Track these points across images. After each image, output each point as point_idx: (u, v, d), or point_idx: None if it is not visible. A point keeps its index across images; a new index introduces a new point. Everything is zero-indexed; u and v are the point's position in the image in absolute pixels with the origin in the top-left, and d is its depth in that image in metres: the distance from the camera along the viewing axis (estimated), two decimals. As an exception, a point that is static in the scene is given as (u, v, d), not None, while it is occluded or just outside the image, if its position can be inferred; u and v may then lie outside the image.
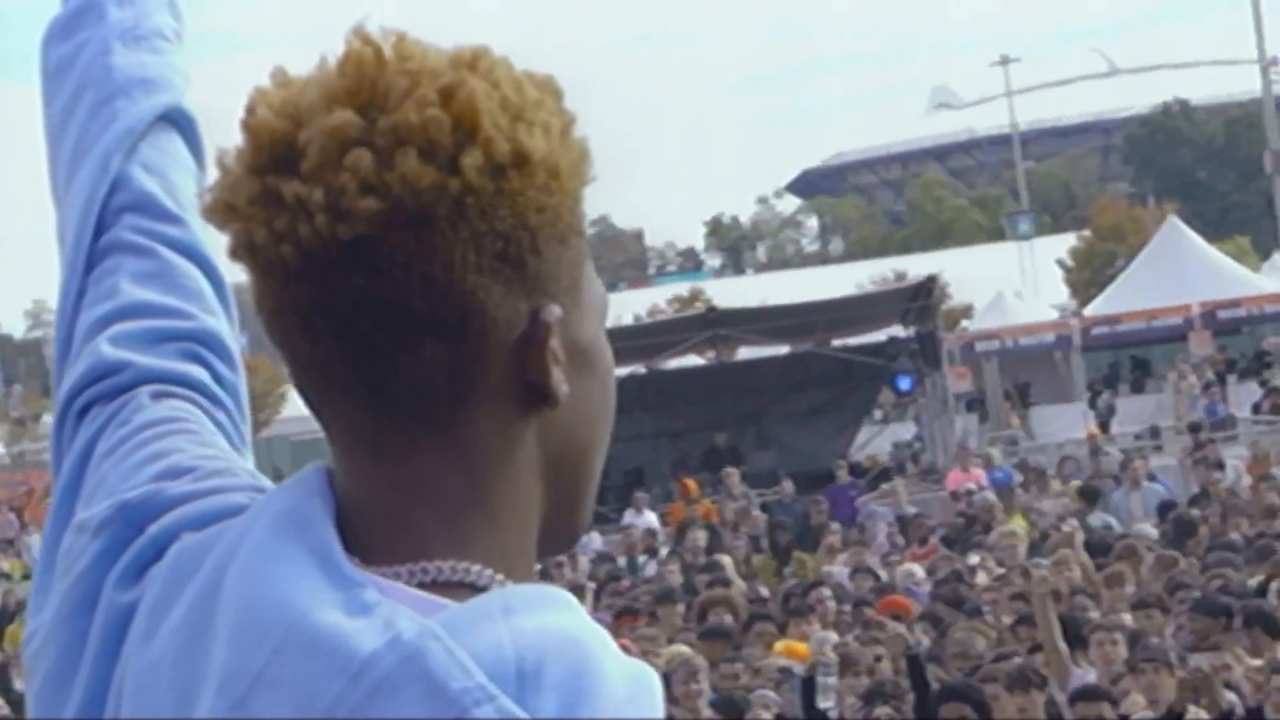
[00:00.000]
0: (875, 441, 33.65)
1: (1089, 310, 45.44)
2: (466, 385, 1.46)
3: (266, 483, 1.63)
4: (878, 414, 35.57)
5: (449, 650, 1.36)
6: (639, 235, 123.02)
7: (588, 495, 1.57)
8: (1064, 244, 63.51)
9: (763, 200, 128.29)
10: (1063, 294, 58.95)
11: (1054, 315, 47.35)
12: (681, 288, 76.91)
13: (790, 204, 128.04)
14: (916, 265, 58.95)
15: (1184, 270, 42.31)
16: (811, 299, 32.29)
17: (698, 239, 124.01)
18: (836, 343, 30.22)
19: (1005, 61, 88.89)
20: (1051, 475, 23.93)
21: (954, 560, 16.99)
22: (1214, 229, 54.96)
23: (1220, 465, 21.89)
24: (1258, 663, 10.28)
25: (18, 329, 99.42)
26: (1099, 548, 15.25)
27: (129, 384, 1.75)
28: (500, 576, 1.47)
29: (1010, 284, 55.38)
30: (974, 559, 16.42)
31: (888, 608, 13.59)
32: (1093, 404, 39.65)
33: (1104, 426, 34.93)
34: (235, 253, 1.48)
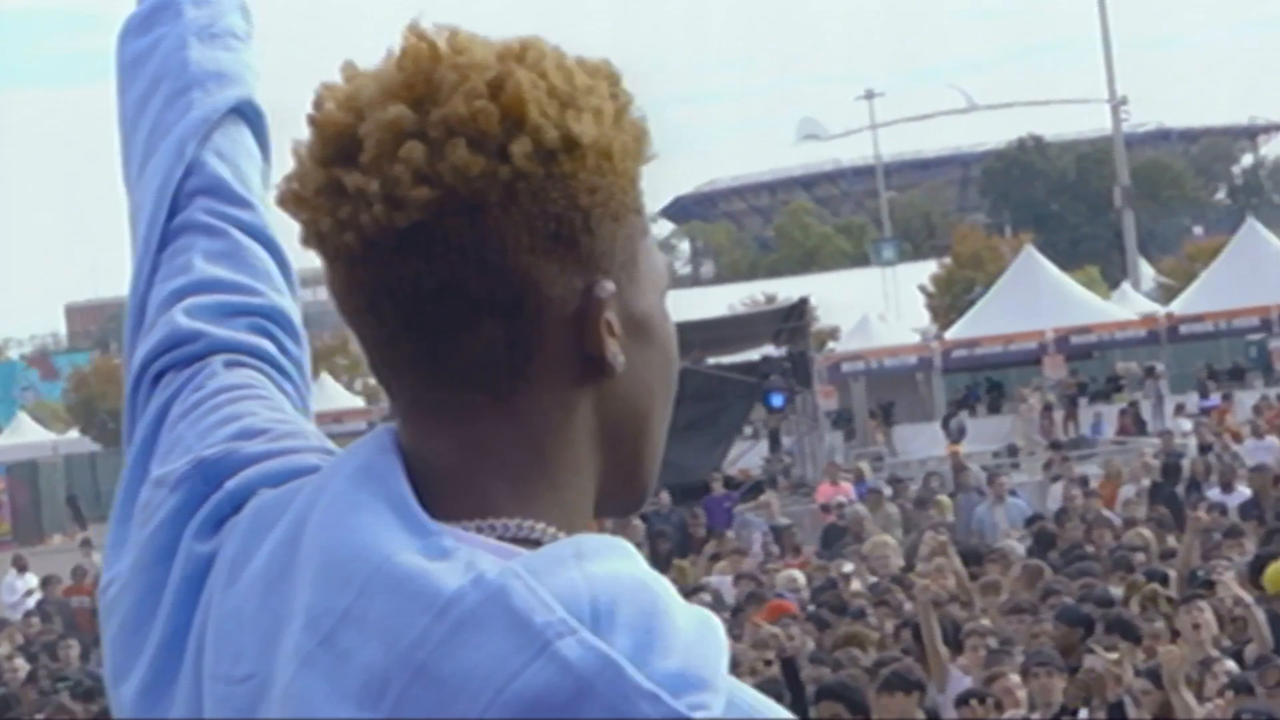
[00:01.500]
0: (746, 456, 33.81)
1: (949, 334, 45.85)
2: (525, 358, 1.49)
3: (334, 446, 1.66)
4: (748, 429, 35.75)
5: (530, 588, 1.39)
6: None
7: (650, 460, 1.60)
8: (925, 270, 64.06)
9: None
10: (924, 318, 59.35)
11: (916, 338, 47.67)
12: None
13: (664, 228, 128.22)
14: (785, 288, 59.19)
15: (1039, 297, 42.81)
16: (684, 319, 32.42)
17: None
18: (711, 360, 30.34)
19: (870, 96, 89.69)
20: (916, 489, 24.19)
21: (828, 568, 17.14)
22: (1065, 259, 55.50)
23: (1085, 481, 22.20)
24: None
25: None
26: (972, 556, 15.44)
27: (202, 352, 1.78)
28: (561, 534, 1.50)
29: (874, 308, 55.83)
30: (848, 567, 16.57)
31: (774, 613, 13.68)
32: (945, 424, 40.07)
33: (956, 443, 35.31)
34: (305, 240, 1.53)
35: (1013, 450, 32.92)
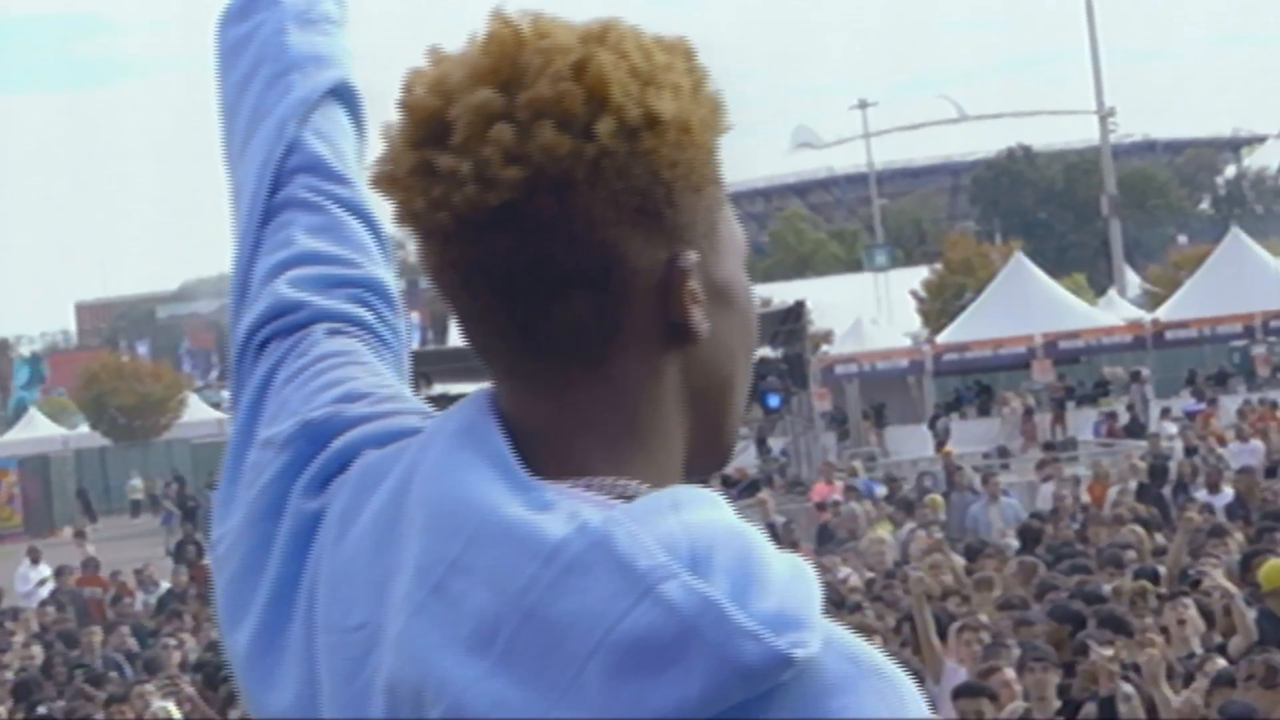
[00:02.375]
0: (742, 455, 33.86)
1: (940, 338, 45.92)
2: (614, 327, 1.52)
3: (432, 410, 1.69)
4: (744, 430, 35.79)
5: (633, 534, 1.42)
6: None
7: (733, 421, 1.63)
8: (917, 276, 64.06)
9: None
10: (915, 322, 59.40)
11: (907, 342, 47.78)
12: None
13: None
14: (780, 292, 59.13)
15: (1028, 303, 42.88)
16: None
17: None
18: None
19: (863, 105, 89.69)
20: (910, 488, 24.26)
21: (824, 566, 17.18)
22: (1053, 266, 55.56)
23: (1076, 481, 22.28)
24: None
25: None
26: (969, 553, 15.50)
27: (305, 321, 1.82)
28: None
29: (867, 312, 55.87)
30: (842, 572, 16.58)
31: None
32: (932, 425, 40.18)
33: (942, 445, 35.40)
34: (400, 219, 1.56)
35: (1003, 451, 32.96)
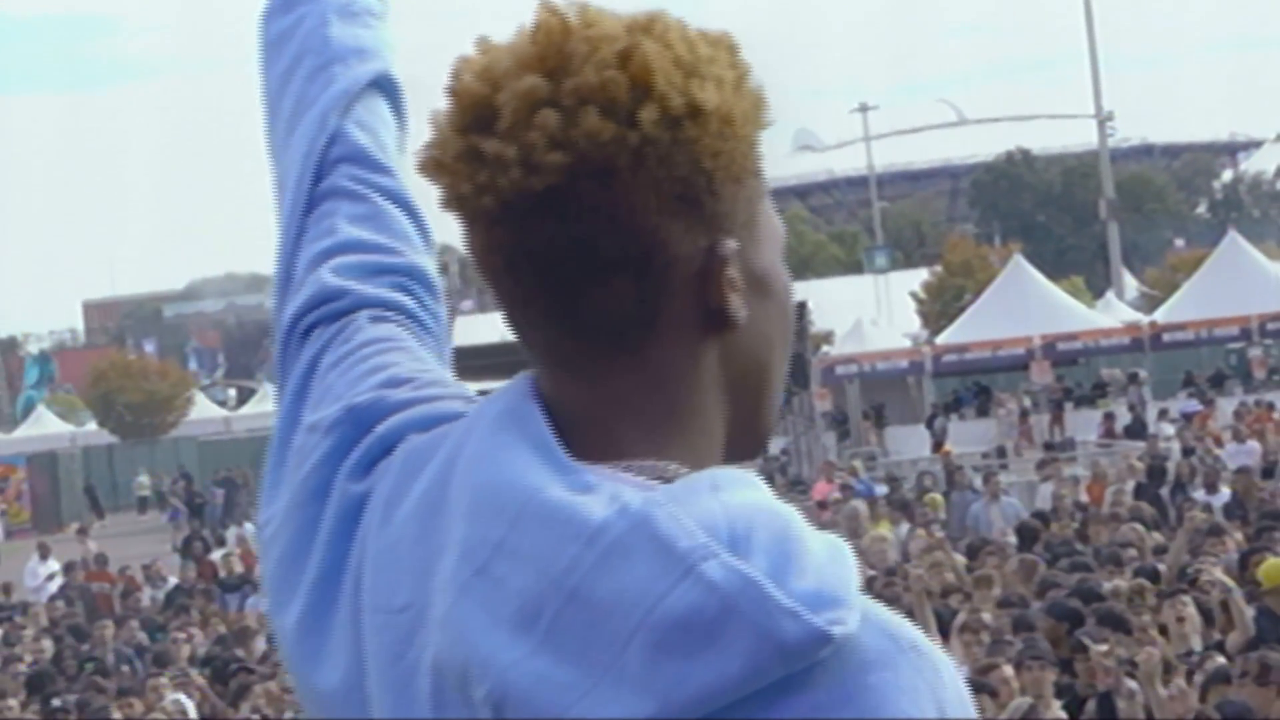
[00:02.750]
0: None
1: (940, 339, 45.87)
2: (654, 313, 1.54)
3: (474, 394, 1.71)
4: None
5: (673, 515, 1.43)
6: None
7: (770, 407, 1.64)
8: (917, 278, 64.01)
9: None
10: (915, 324, 59.30)
11: (907, 343, 47.75)
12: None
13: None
14: (781, 294, 59.05)
15: (1027, 305, 42.85)
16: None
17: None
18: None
19: (864, 109, 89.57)
20: (910, 487, 24.30)
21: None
22: (1051, 269, 55.45)
23: (1075, 481, 22.32)
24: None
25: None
26: (971, 551, 15.52)
27: (349, 308, 1.83)
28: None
29: (867, 313, 55.77)
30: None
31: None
32: (929, 426, 40.22)
33: (938, 445, 35.45)
34: (445, 204, 1.57)
35: (1001, 452, 32.99)
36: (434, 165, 1.56)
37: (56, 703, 13.51)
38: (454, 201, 1.56)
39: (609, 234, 1.51)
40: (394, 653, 1.54)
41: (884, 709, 1.42)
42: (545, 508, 1.46)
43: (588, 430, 1.55)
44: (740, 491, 1.47)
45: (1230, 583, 11.86)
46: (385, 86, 2.02)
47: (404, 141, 2.00)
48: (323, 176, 1.92)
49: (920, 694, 1.44)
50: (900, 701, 1.43)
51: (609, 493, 1.46)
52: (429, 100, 1.61)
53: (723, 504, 1.45)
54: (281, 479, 1.73)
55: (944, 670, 1.47)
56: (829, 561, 1.44)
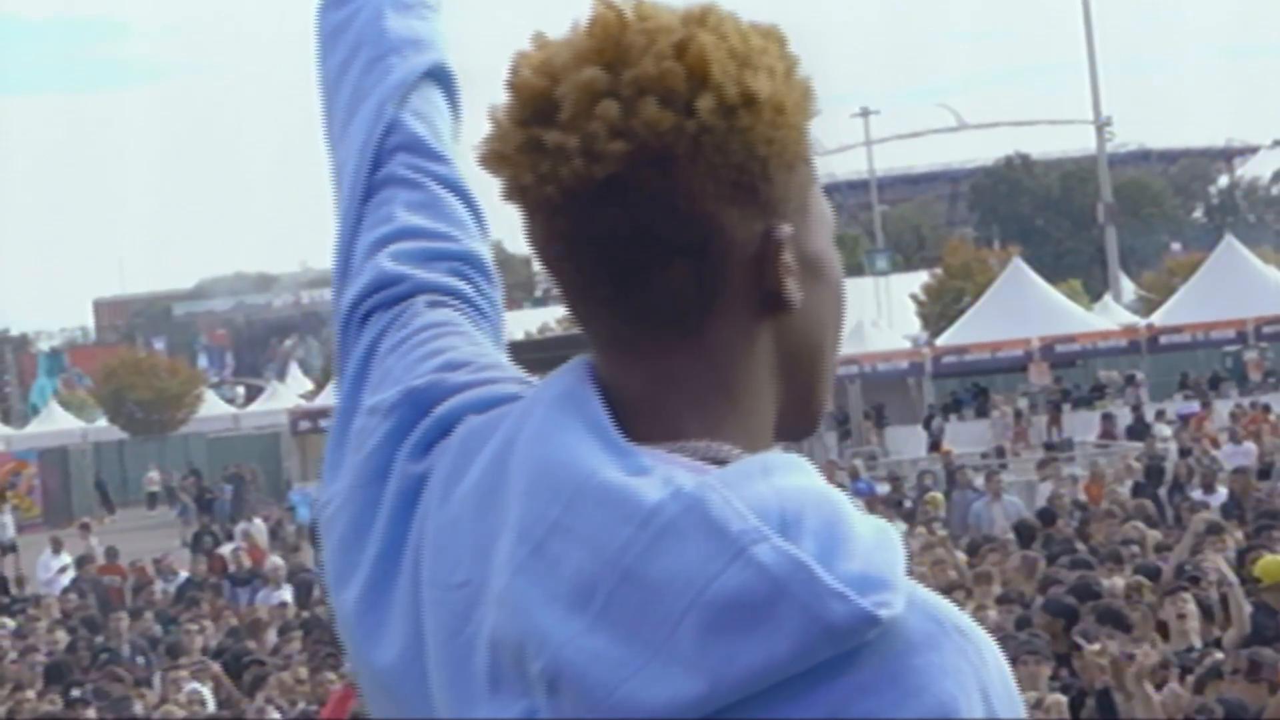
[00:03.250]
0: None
1: (939, 341, 45.83)
2: (711, 296, 1.56)
3: (530, 378, 1.73)
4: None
5: (726, 499, 1.45)
6: (528, 261, 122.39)
7: (823, 388, 1.66)
8: (917, 280, 63.91)
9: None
10: (915, 325, 59.19)
11: (907, 345, 47.71)
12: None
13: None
14: (783, 295, 58.98)
15: (1025, 308, 42.85)
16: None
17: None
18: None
19: (865, 113, 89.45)
20: (911, 486, 24.36)
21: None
22: (1050, 272, 55.38)
23: (1074, 481, 22.36)
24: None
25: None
26: (972, 548, 15.56)
27: (407, 294, 1.84)
28: (745, 456, 1.55)
29: (868, 315, 55.69)
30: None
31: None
32: (926, 426, 40.26)
33: (935, 445, 35.49)
34: (508, 195, 1.59)
35: (1000, 452, 32.99)
36: (495, 158, 1.58)
37: (76, 693, 13.55)
38: (516, 192, 1.58)
39: (668, 219, 1.53)
40: (452, 628, 1.55)
41: (928, 690, 1.44)
42: (601, 489, 1.48)
43: (644, 412, 1.57)
44: (791, 476, 1.49)
45: (1231, 576, 11.90)
46: (440, 77, 2.03)
47: (458, 130, 2.02)
48: (380, 165, 1.94)
49: (964, 675, 1.45)
50: (944, 683, 1.44)
51: (663, 475, 1.48)
52: (481, 89, 1.63)
53: (774, 488, 1.46)
54: (341, 460, 1.74)
55: (987, 653, 1.48)
56: (876, 546, 1.46)
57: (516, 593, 1.49)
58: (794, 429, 1.65)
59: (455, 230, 1.92)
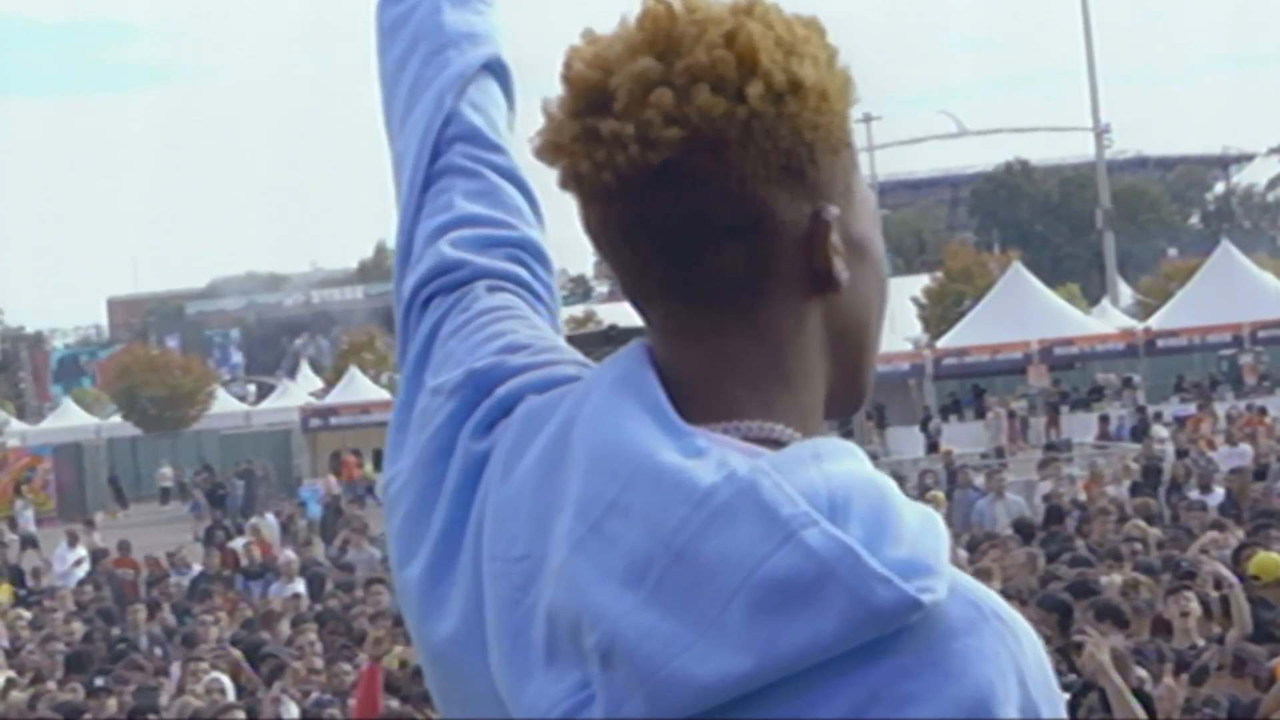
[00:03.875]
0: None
1: (940, 343, 45.84)
2: (763, 276, 1.58)
3: (588, 361, 1.76)
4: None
5: (777, 484, 1.46)
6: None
7: (869, 366, 1.69)
8: (918, 284, 63.82)
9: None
10: (916, 328, 59.13)
11: (909, 347, 47.73)
12: (576, 310, 76.87)
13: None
14: (786, 298, 58.82)
15: (1025, 311, 42.89)
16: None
17: (587, 267, 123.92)
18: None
19: (867, 119, 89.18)
20: (912, 485, 24.38)
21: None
22: (1048, 276, 55.35)
23: (1072, 481, 22.40)
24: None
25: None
26: (973, 544, 15.59)
27: (466, 279, 1.87)
28: (798, 435, 1.59)
29: (870, 317, 55.55)
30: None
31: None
32: (924, 427, 40.29)
33: (934, 446, 35.50)
34: (564, 183, 1.61)
35: (1000, 452, 33.04)
36: (552, 148, 1.61)
37: (99, 682, 13.58)
38: (572, 180, 1.61)
39: (721, 203, 1.56)
40: (511, 599, 1.57)
41: (967, 674, 1.45)
42: (657, 470, 1.50)
43: (700, 392, 1.59)
44: (840, 462, 1.51)
45: (1231, 577, 11.91)
46: (496, 69, 2.06)
47: (513, 121, 2.05)
48: (439, 155, 1.97)
49: (1002, 660, 1.47)
50: (983, 667, 1.46)
51: (718, 458, 1.50)
52: (534, 82, 1.65)
53: (824, 473, 1.48)
54: (405, 440, 1.77)
55: (1025, 640, 1.50)
56: (921, 532, 1.48)
57: (574, 568, 1.51)
58: (841, 406, 1.68)
59: (512, 218, 1.94)
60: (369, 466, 43.76)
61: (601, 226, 1.62)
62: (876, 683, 1.45)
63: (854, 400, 1.70)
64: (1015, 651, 1.48)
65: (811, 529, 1.44)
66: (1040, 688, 1.50)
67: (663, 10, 1.59)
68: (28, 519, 40.89)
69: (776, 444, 1.56)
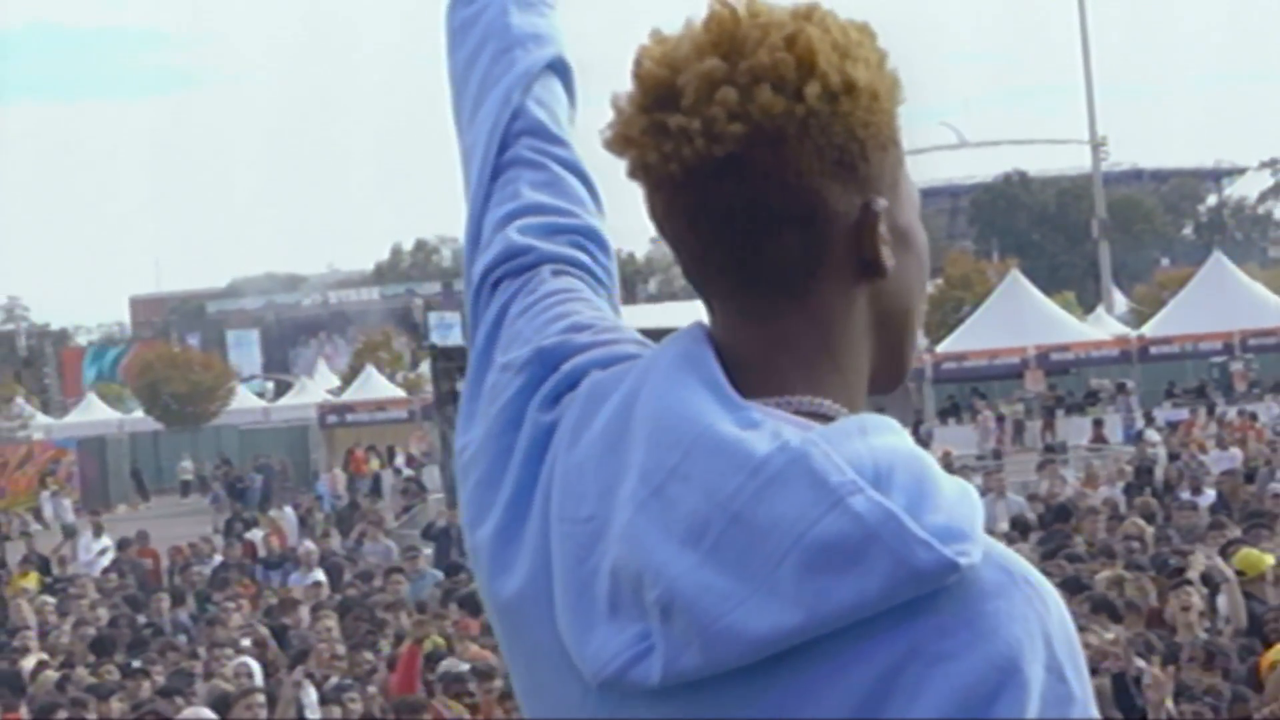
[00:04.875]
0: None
1: (940, 348, 45.85)
2: (816, 262, 1.65)
3: (647, 341, 1.82)
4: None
5: (826, 454, 1.53)
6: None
7: (910, 347, 1.76)
8: (919, 290, 63.91)
9: (655, 240, 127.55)
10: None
11: (909, 351, 47.67)
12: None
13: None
14: (790, 302, 58.71)
15: (1022, 318, 42.95)
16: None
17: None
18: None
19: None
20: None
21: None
22: (1045, 284, 55.27)
23: (1065, 482, 22.47)
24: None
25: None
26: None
27: (533, 263, 1.94)
28: (845, 410, 1.67)
29: (871, 322, 55.51)
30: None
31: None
32: (915, 431, 40.37)
33: (924, 448, 35.48)
34: (632, 173, 1.69)
35: (997, 454, 33.06)
36: (621, 140, 1.68)
37: (136, 663, 13.67)
38: (641, 170, 1.68)
39: (779, 193, 1.63)
40: (577, 558, 1.64)
41: (998, 633, 1.52)
42: (715, 440, 1.57)
43: (755, 369, 1.66)
44: (885, 436, 1.58)
45: (1229, 572, 11.97)
46: (559, 68, 2.13)
47: (574, 116, 2.12)
48: (507, 147, 2.04)
49: (1030, 622, 1.54)
50: (1012, 627, 1.53)
51: (771, 430, 1.57)
52: (595, 79, 1.72)
53: (869, 446, 1.56)
54: (475, 412, 1.84)
55: (1051, 603, 1.57)
56: (958, 501, 1.55)
57: (637, 529, 1.58)
58: (884, 383, 1.75)
59: (575, 207, 2.01)
60: (375, 462, 43.97)
61: (666, 213, 1.69)
62: (915, 639, 1.52)
63: (896, 378, 1.77)
64: (1042, 614, 1.55)
65: (858, 496, 1.52)
66: (1064, 648, 1.56)
67: (728, 14, 1.66)
68: (65, 508, 41.04)
69: (825, 418, 1.64)
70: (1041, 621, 1.55)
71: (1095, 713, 1.59)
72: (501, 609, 1.76)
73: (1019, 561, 1.59)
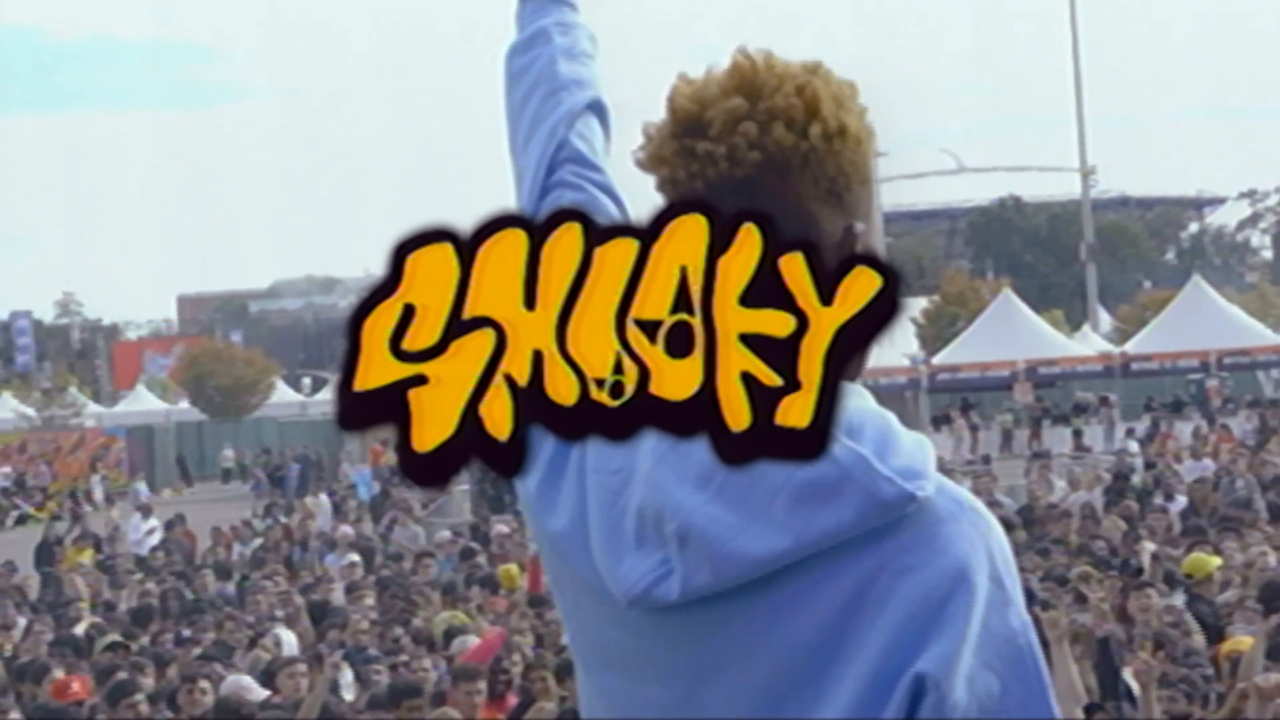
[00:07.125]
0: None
1: (935, 360, 46.00)
2: None
3: None
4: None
5: None
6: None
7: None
8: (917, 306, 63.77)
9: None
10: (914, 345, 59.18)
11: (906, 362, 47.84)
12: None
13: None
14: (795, 315, 58.66)
15: (1013, 333, 43.03)
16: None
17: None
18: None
19: (875, 156, 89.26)
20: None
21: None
22: (1035, 302, 55.33)
23: (1051, 486, 22.67)
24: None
25: (48, 315, 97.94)
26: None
27: None
28: None
29: (871, 335, 55.50)
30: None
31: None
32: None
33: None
34: (661, 187, 1.93)
35: (986, 459, 33.21)
36: (655, 160, 1.93)
37: (187, 632, 13.89)
38: (669, 185, 1.92)
39: (782, 213, 1.80)
40: (609, 501, 1.90)
41: (950, 550, 1.81)
42: None
43: None
44: (856, 400, 1.85)
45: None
46: (597, 109, 2.41)
47: (609, 148, 2.38)
48: (553, 172, 2.30)
49: (975, 541, 1.83)
50: (962, 545, 1.82)
51: None
52: (626, 118, 1.93)
53: (844, 407, 1.76)
54: None
55: (993, 527, 1.86)
56: (916, 448, 1.84)
57: (658, 475, 1.85)
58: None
59: None
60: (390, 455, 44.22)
61: None
62: (883, 557, 1.81)
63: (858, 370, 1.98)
64: (985, 534, 1.84)
65: (836, 443, 1.71)
66: (1003, 563, 1.85)
67: (749, 64, 1.92)
68: (139, 490, 41.37)
69: None
70: (985, 541, 1.83)
71: (1025, 615, 1.84)
72: (549, 542, 2.00)
73: (966, 494, 1.87)
